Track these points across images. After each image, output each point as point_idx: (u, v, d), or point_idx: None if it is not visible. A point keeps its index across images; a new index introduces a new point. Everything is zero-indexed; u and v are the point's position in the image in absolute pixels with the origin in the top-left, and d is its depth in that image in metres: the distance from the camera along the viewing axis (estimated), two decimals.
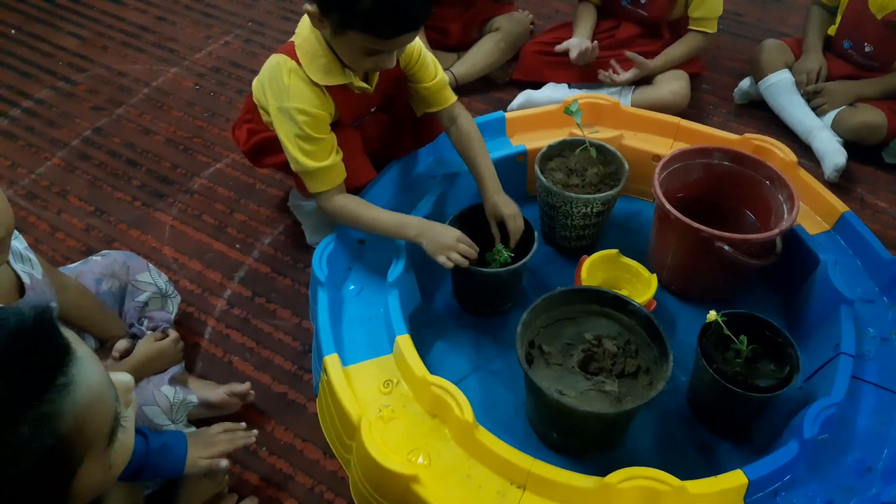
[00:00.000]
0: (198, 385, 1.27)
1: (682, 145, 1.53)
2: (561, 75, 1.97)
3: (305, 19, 1.25)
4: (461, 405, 1.05)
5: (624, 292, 1.32)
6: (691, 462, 1.18)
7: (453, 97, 1.39)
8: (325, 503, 1.18)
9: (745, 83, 2.01)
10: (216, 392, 1.25)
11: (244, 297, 1.50)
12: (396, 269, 1.26)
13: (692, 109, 1.96)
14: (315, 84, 1.22)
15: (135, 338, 1.24)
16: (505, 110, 1.65)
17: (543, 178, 1.38)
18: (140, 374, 1.17)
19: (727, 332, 1.13)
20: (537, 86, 1.98)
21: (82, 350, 0.61)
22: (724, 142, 1.50)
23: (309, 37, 1.22)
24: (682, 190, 1.39)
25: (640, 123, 1.60)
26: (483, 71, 2.02)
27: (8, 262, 1.01)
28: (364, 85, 1.28)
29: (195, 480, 1.11)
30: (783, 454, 1.03)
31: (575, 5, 2.05)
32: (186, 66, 2.16)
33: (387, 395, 1.13)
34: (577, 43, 1.90)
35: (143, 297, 1.26)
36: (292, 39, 1.25)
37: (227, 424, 1.15)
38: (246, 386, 1.26)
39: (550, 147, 1.45)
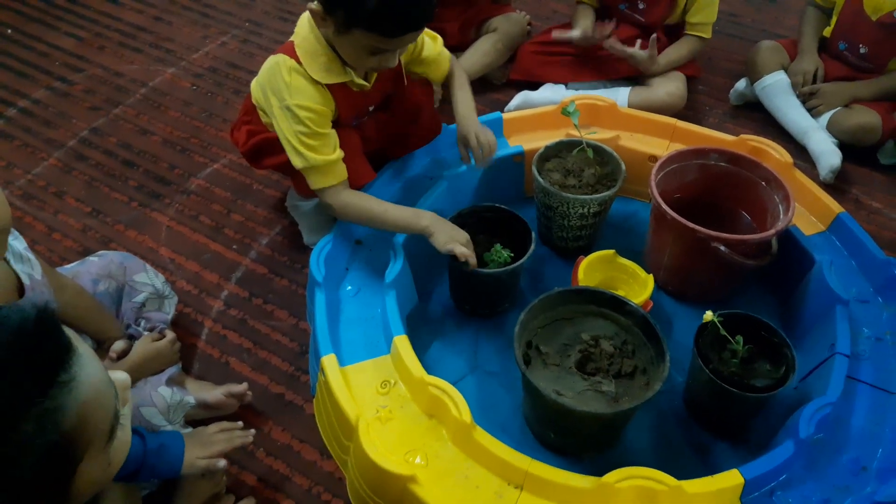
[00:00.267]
0: (195, 386, 1.27)
1: (678, 146, 1.54)
2: (558, 75, 1.97)
3: (304, 18, 1.25)
4: (459, 406, 1.05)
5: (621, 293, 1.33)
6: (688, 462, 1.19)
7: (447, 54, 1.47)
8: None
9: (741, 84, 2.02)
10: (213, 393, 1.25)
11: (241, 298, 1.50)
12: (394, 270, 1.26)
13: (688, 110, 1.97)
14: (316, 82, 1.23)
15: (132, 338, 1.24)
16: (502, 111, 1.65)
17: (541, 179, 1.38)
18: (137, 374, 1.17)
19: (723, 332, 1.13)
20: (535, 86, 1.99)
21: (83, 348, 0.61)
22: (720, 143, 1.51)
23: (308, 36, 1.23)
24: (679, 191, 1.40)
25: (637, 124, 1.60)
26: (480, 72, 2.02)
27: (8, 263, 1.01)
28: (363, 82, 1.28)
29: (193, 481, 1.11)
30: (779, 454, 1.04)
31: (572, 6, 2.06)
32: (183, 67, 2.16)
33: (384, 396, 1.13)
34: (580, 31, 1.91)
35: (140, 298, 1.26)
36: (291, 39, 1.26)
37: (224, 424, 1.15)
38: (243, 387, 1.27)
39: (548, 148, 1.46)
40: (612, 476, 0.98)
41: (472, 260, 1.24)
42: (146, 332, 1.24)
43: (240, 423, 1.17)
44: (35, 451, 0.55)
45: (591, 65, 1.98)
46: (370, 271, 1.33)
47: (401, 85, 1.41)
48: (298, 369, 1.37)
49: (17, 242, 1.06)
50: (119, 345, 1.19)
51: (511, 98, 1.96)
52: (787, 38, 2.04)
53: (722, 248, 1.23)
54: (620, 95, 1.88)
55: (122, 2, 2.46)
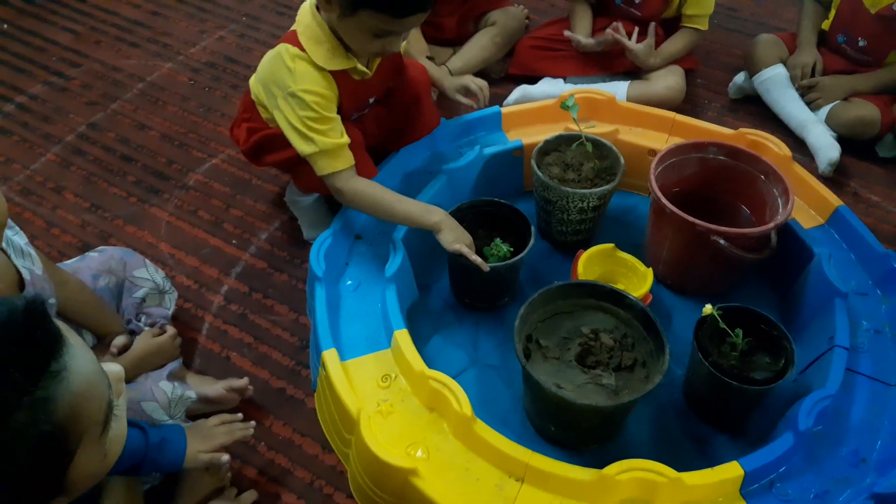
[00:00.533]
0: (196, 381, 1.28)
1: (677, 140, 1.54)
2: (557, 69, 1.97)
3: (306, 7, 1.25)
4: (459, 399, 1.05)
5: (620, 286, 1.33)
6: (687, 454, 1.19)
7: None
8: (324, 497, 1.18)
9: (740, 78, 2.02)
10: (214, 388, 1.25)
11: (241, 293, 1.50)
12: (394, 264, 1.26)
13: (686, 104, 1.97)
14: (320, 68, 1.23)
15: (132, 334, 1.24)
16: (501, 105, 1.65)
17: (540, 173, 1.38)
18: (138, 369, 1.18)
19: (723, 325, 1.14)
20: (533, 81, 1.98)
21: (74, 339, 0.61)
22: (719, 136, 1.51)
23: (311, 23, 1.23)
24: (678, 184, 1.40)
25: (636, 118, 1.60)
26: (479, 66, 2.02)
27: (9, 258, 1.01)
28: (365, 69, 1.28)
29: (196, 475, 1.11)
30: (778, 446, 1.04)
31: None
32: (181, 61, 2.15)
33: (385, 390, 1.13)
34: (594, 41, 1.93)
35: (140, 294, 1.26)
36: (293, 28, 1.26)
37: (225, 416, 1.15)
38: (244, 381, 1.27)
39: (547, 142, 1.45)
40: (612, 468, 0.99)
41: (485, 266, 1.23)
42: (147, 328, 1.25)
43: (240, 416, 1.17)
44: (28, 441, 0.55)
45: (589, 59, 1.97)
46: (370, 266, 1.33)
47: (401, 76, 1.41)
48: (299, 364, 1.37)
49: (17, 237, 1.06)
50: (120, 340, 1.20)
51: (510, 92, 1.95)
52: (785, 31, 2.04)
53: (721, 241, 1.23)
54: (619, 89, 1.88)
55: None
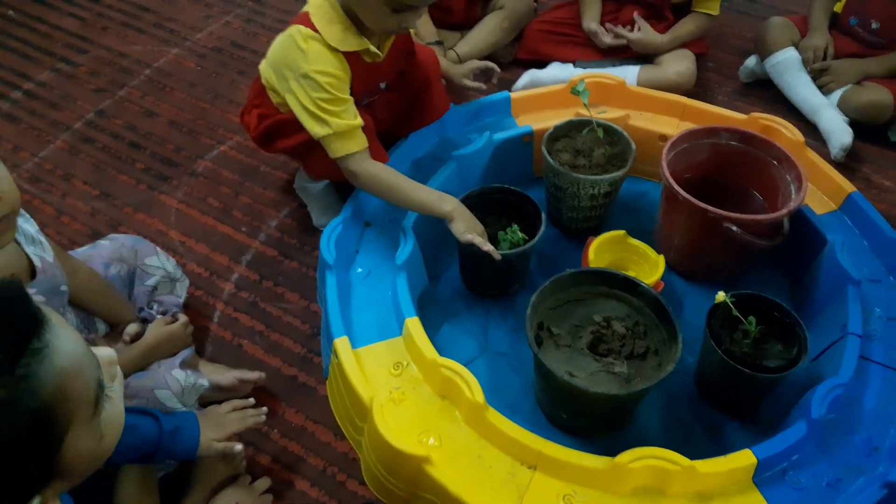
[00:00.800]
0: (208, 369, 1.28)
1: (688, 125, 1.53)
2: (566, 54, 1.95)
3: None
4: (471, 387, 1.05)
5: (631, 273, 1.32)
6: (699, 441, 1.20)
7: None
8: (337, 484, 1.19)
9: (751, 61, 2.00)
10: (226, 376, 1.26)
11: (252, 281, 1.50)
12: (405, 252, 1.26)
13: (697, 88, 1.95)
14: (333, 49, 1.22)
15: (144, 322, 1.24)
16: (510, 90, 1.64)
17: (551, 160, 1.37)
18: (151, 357, 1.18)
19: (736, 312, 1.13)
20: (542, 65, 1.97)
21: (57, 319, 0.61)
22: (731, 121, 1.50)
23: (323, 4, 1.23)
24: (690, 170, 1.39)
25: (646, 103, 1.59)
26: (487, 50, 2.00)
27: (20, 245, 1.01)
28: (377, 51, 1.27)
29: (211, 463, 1.12)
30: (791, 434, 1.04)
31: None
32: (187, 47, 2.14)
33: (397, 377, 1.13)
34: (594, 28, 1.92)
35: (151, 282, 1.27)
36: (304, 10, 1.25)
37: (237, 402, 1.16)
38: (256, 375, 1.27)
39: (557, 128, 1.44)
40: (625, 456, 0.99)
41: (497, 255, 1.23)
42: (159, 316, 1.25)
43: (252, 401, 1.17)
44: (12, 418, 0.55)
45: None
46: (380, 253, 1.32)
47: (411, 60, 1.40)
48: (311, 351, 1.37)
49: (28, 225, 1.06)
50: (132, 328, 1.20)
51: (518, 77, 1.94)
52: (797, 14, 2.01)
53: (734, 228, 1.23)
54: (629, 74, 1.87)
55: None
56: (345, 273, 1.28)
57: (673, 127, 1.54)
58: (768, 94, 1.96)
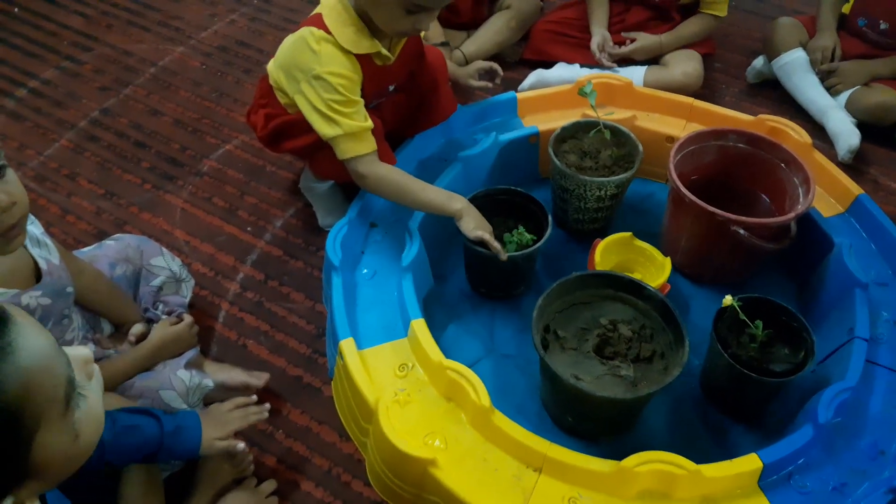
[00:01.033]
0: (213, 368, 1.28)
1: (695, 126, 1.52)
2: (572, 55, 1.95)
3: None
4: (477, 390, 1.05)
5: (637, 275, 1.32)
6: (703, 443, 1.19)
7: None
8: (342, 485, 1.19)
9: (759, 62, 1.99)
10: (231, 375, 1.25)
11: (257, 281, 1.50)
12: (410, 253, 1.26)
13: (704, 89, 1.94)
14: (345, 51, 1.22)
15: (149, 322, 1.24)
16: (516, 90, 1.64)
17: (557, 162, 1.37)
18: (156, 358, 1.18)
19: (743, 316, 1.13)
20: (548, 65, 1.96)
21: (23, 317, 0.61)
22: (738, 123, 1.49)
23: (336, 6, 1.23)
24: (696, 172, 1.38)
25: (653, 104, 1.58)
26: (493, 50, 2.00)
27: (25, 247, 1.01)
28: (388, 54, 1.27)
29: (216, 464, 1.12)
30: (798, 438, 1.04)
31: None
32: (192, 46, 2.14)
33: (402, 379, 1.13)
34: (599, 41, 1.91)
35: (157, 282, 1.27)
36: (317, 12, 1.25)
37: (239, 400, 1.14)
38: (263, 379, 1.27)
39: (564, 129, 1.44)
40: (631, 460, 0.99)
41: (503, 255, 1.23)
42: (164, 316, 1.25)
43: (254, 398, 1.16)
44: None
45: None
46: (385, 254, 1.32)
47: (421, 62, 1.40)
48: (316, 352, 1.37)
49: (33, 227, 1.06)
50: (137, 328, 1.20)
51: (524, 77, 1.94)
52: (805, 14, 2.00)
53: (741, 231, 1.22)
54: (636, 75, 1.86)
55: None
56: (350, 274, 1.28)
57: (680, 128, 1.54)
58: (776, 94, 1.96)
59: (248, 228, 1.61)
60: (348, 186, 1.46)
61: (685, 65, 1.86)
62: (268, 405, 1.16)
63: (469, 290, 1.41)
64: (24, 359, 0.58)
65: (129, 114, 1.91)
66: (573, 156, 1.42)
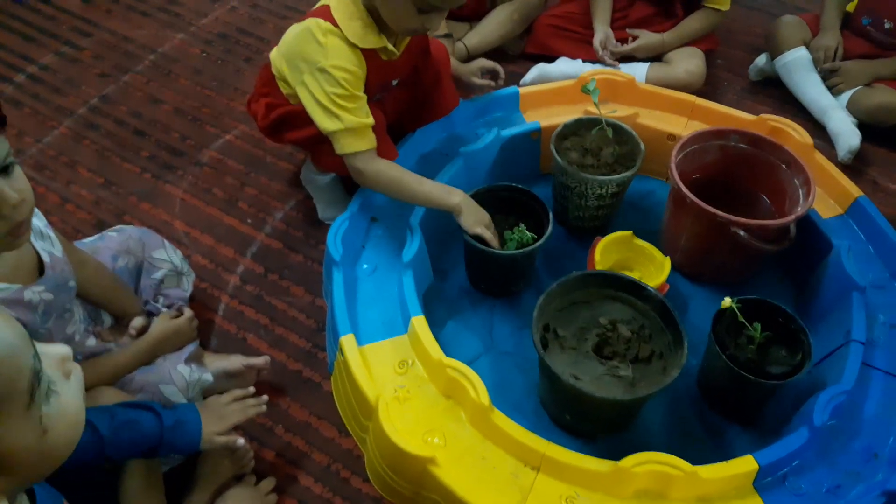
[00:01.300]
0: (213, 357, 1.27)
1: (696, 124, 1.53)
2: (575, 51, 1.94)
3: None
4: (477, 388, 1.06)
5: (636, 274, 1.33)
6: (700, 444, 1.20)
7: None
8: (341, 481, 1.20)
9: (761, 60, 1.98)
10: (231, 361, 1.25)
11: (257, 274, 1.50)
12: (411, 249, 1.26)
13: (706, 86, 1.93)
14: (352, 45, 1.21)
15: (150, 315, 1.24)
16: (518, 84, 1.63)
17: (559, 159, 1.37)
18: (156, 351, 1.18)
19: (741, 319, 1.13)
20: (551, 59, 1.95)
21: None
22: (739, 122, 1.49)
23: None
24: (697, 171, 1.39)
25: (655, 101, 1.58)
26: (495, 42, 1.99)
27: (29, 240, 1.01)
28: (394, 49, 1.27)
29: (216, 461, 1.12)
30: (793, 440, 1.05)
31: None
32: (192, 32, 2.12)
33: (402, 376, 1.14)
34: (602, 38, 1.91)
35: (158, 275, 1.27)
36: (325, 3, 1.24)
37: (237, 392, 1.14)
38: (263, 360, 1.27)
39: (566, 126, 1.44)
40: (628, 461, 1.00)
41: (495, 243, 1.24)
42: (164, 309, 1.25)
43: (252, 390, 1.15)
44: None
45: None
46: (386, 249, 1.32)
47: (427, 57, 1.40)
48: (315, 346, 1.38)
49: (36, 220, 1.05)
50: (138, 322, 1.20)
51: (527, 70, 1.93)
52: (809, 12, 1.99)
53: (741, 232, 1.23)
54: (638, 71, 1.85)
55: None
56: (351, 269, 1.28)
57: (681, 126, 1.54)
58: (778, 92, 1.95)
59: (249, 220, 1.60)
60: (349, 179, 1.45)
61: (688, 62, 1.86)
62: (265, 397, 1.16)
63: (468, 286, 1.41)
64: None
65: (129, 101, 1.89)
66: (575, 153, 1.42)
